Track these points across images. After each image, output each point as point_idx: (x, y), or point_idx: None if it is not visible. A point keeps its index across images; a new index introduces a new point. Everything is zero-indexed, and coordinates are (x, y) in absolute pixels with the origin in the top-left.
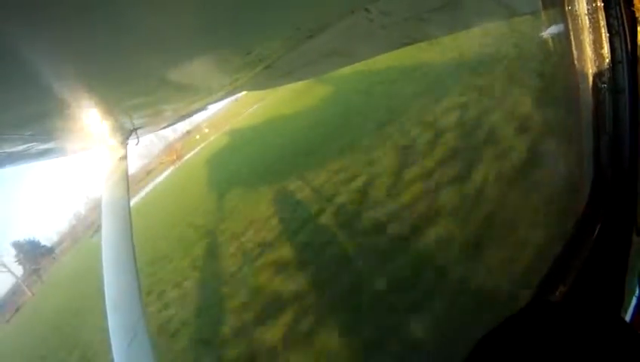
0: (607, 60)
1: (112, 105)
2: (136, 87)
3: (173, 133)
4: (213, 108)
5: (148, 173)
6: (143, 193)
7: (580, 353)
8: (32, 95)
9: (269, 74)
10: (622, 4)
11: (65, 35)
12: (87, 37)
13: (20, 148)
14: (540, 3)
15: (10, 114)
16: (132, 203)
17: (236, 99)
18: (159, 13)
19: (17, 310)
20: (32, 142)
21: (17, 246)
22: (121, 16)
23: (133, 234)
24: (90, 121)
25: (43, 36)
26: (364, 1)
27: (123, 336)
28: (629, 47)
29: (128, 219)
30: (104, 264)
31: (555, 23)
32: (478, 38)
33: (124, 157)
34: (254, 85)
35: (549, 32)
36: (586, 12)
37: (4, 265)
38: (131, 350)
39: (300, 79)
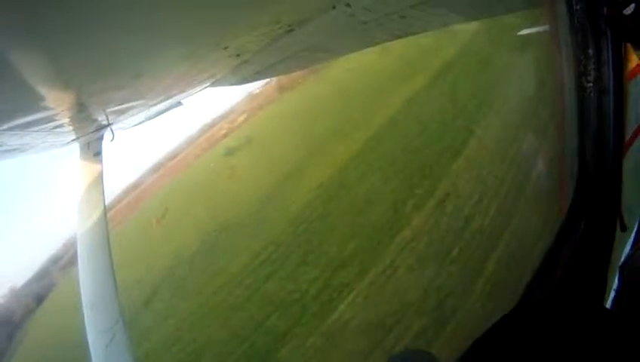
0: (593, 61)
1: (86, 99)
2: (110, 81)
3: None
4: None
5: None
6: None
7: (573, 346)
8: (3, 88)
9: (247, 69)
10: (608, 5)
11: (37, 25)
12: (60, 28)
13: None
14: (525, 3)
15: None
16: None
17: None
18: (136, 5)
19: None
20: (3, 138)
21: None
22: (96, 8)
23: (108, 232)
24: (63, 116)
25: (14, 27)
26: None
27: (101, 338)
28: (615, 47)
29: (104, 217)
30: (80, 264)
31: (541, 22)
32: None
33: (99, 154)
34: (232, 80)
35: (533, 31)
36: (573, 12)
37: None
38: (110, 351)
39: (278, 74)
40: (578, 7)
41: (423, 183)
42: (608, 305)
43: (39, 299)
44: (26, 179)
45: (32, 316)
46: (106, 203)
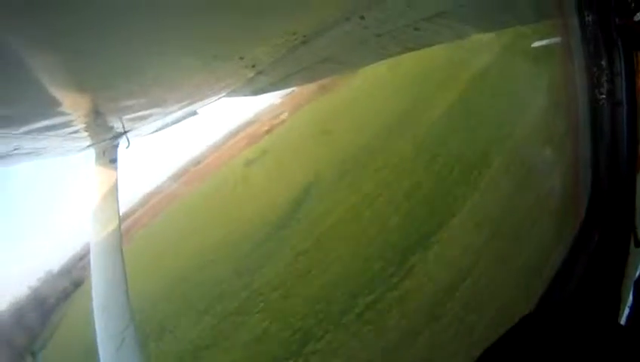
0: (606, 72)
1: (102, 105)
2: (128, 88)
3: None
4: None
5: None
6: None
7: (585, 359)
8: (22, 92)
9: (262, 80)
10: (620, 17)
11: (57, 30)
12: (80, 35)
13: (7, 147)
14: (537, 15)
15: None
16: None
17: None
18: (153, 13)
19: None
20: (19, 141)
21: None
22: (116, 15)
23: (121, 237)
24: (80, 122)
25: (33, 32)
26: (360, 8)
27: (111, 342)
28: (628, 58)
29: (117, 222)
30: (92, 268)
31: (553, 35)
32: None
33: (114, 161)
34: (247, 91)
35: (546, 43)
36: (584, 23)
37: None
38: (119, 355)
39: (293, 86)
40: (590, 18)
41: (446, 203)
42: (623, 321)
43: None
44: (45, 181)
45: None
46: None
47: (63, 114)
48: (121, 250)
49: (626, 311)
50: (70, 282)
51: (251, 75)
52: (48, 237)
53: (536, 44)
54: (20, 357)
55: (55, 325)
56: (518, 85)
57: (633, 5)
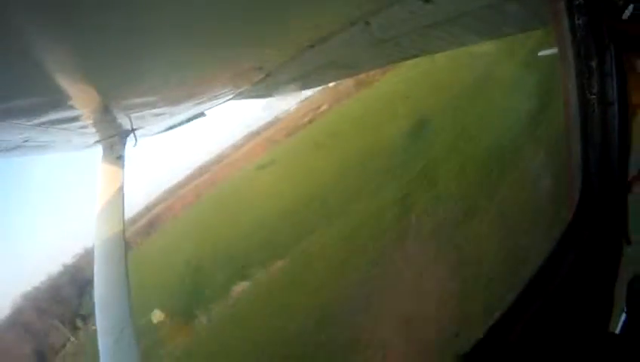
0: (597, 73)
1: (112, 101)
2: (138, 86)
3: None
4: None
5: None
6: None
7: None
8: (36, 85)
9: (269, 82)
10: (611, 18)
11: (72, 29)
12: (94, 32)
13: (19, 138)
14: (535, 23)
15: (13, 102)
16: None
17: None
18: (166, 15)
19: None
20: (30, 132)
21: None
22: (131, 15)
23: (125, 232)
24: (88, 117)
25: (50, 30)
26: (365, 15)
27: (110, 334)
28: (618, 59)
29: (121, 217)
30: (96, 262)
31: (547, 40)
32: None
33: (121, 157)
34: (254, 93)
35: (542, 49)
36: (576, 26)
37: None
38: (117, 347)
39: (300, 89)
40: (580, 21)
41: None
42: (619, 325)
43: None
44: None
45: None
46: None
47: (72, 108)
48: (125, 248)
49: (623, 316)
50: None
51: (259, 77)
52: (90, 217)
53: (534, 50)
54: (71, 320)
55: None
56: (514, 88)
57: (622, 2)
